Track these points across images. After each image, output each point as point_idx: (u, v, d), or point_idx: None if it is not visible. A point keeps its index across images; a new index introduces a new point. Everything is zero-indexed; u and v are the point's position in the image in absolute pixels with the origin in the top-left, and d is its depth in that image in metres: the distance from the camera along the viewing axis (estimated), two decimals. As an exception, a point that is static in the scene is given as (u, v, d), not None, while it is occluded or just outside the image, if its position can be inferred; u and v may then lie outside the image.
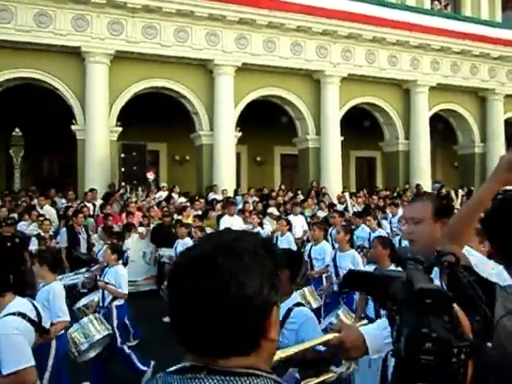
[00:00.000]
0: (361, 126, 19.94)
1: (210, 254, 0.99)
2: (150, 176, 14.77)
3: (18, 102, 14.94)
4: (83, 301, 6.94)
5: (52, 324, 4.64)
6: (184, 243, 9.73)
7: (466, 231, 1.92)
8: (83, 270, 8.43)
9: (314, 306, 6.50)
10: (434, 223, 2.31)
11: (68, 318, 4.93)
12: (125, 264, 7.84)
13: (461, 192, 16.35)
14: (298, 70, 16.90)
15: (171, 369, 1.02)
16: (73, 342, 5.30)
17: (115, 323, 6.15)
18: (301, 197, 15.28)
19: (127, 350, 6.06)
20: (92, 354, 5.66)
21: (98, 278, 6.94)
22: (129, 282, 10.32)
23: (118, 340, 6.04)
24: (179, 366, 1.02)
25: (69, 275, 8.23)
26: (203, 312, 0.95)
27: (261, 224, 11.44)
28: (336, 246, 7.78)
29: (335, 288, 6.89)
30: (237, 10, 15.33)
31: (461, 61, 19.33)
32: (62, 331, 4.93)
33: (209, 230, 10.29)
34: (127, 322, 6.88)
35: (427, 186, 18.36)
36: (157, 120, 16.79)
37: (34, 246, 10.18)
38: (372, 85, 18.17)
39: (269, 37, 16.23)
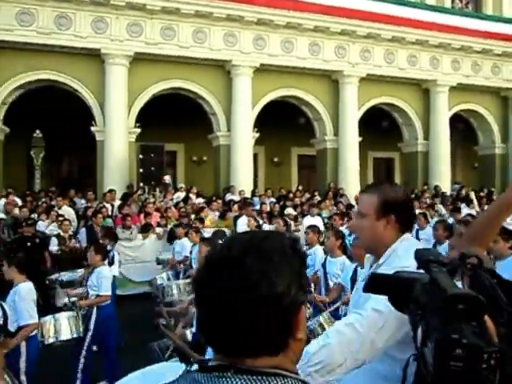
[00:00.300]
0: (379, 126, 19.76)
1: (239, 254, 0.99)
2: (167, 180, 14.85)
3: (39, 104, 15.13)
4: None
5: (20, 327, 4.65)
6: (181, 243, 9.77)
7: (490, 233, 1.88)
8: (81, 269, 8.50)
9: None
10: (376, 220, 2.04)
11: (35, 321, 4.92)
12: (110, 264, 7.75)
13: (473, 193, 16.07)
14: (315, 71, 16.83)
15: (197, 367, 1.03)
16: (40, 331, 5.26)
17: (92, 323, 6.03)
18: (318, 198, 15.21)
19: (81, 365, 5.85)
20: (54, 344, 5.73)
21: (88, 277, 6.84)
22: (146, 282, 10.51)
23: (84, 345, 5.88)
24: (206, 364, 1.02)
25: (66, 273, 8.41)
26: (232, 311, 0.96)
27: (259, 227, 11.28)
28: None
29: (323, 293, 6.64)
30: (255, 11, 15.33)
31: (482, 60, 19.06)
32: (34, 332, 4.96)
33: (206, 231, 10.35)
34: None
35: (446, 187, 18.14)
36: (174, 121, 16.86)
37: (54, 246, 10.35)
38: (391, 85, 18.02)
39: (286, 37, 16.19)
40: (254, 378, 0.96)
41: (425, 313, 1.01)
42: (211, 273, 1.01)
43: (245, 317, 0.96)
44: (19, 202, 12.63)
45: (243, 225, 11.13)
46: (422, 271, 1.14)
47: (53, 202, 12.95)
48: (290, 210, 13.39)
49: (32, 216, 11.29)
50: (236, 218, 12.04)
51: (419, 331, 1.02)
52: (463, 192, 17.30)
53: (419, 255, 1.19)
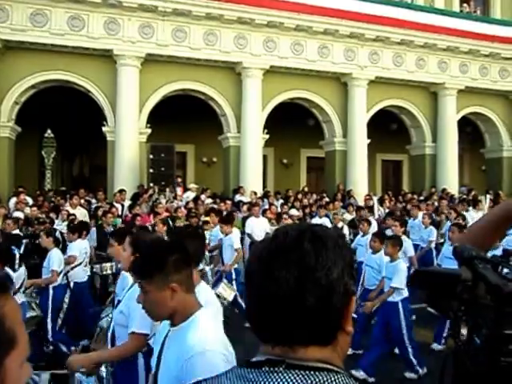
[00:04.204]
0: (387, 128, 19.84)
1: (297, 238, 0.99)
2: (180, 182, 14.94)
3: (51, 104, 15.27)
4: None
5: None
6: None
7: (493, 238, 1.69)
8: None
9: (230, 298, 6.76)
10: None
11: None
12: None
13: (488, 196, 16.13)
14: (325, 73, 16.92)
15: (243, 362, 1.02)
16: None
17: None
18: (327, 199, 15.28)
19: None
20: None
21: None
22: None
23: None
24: (253, 359, 1.00)
25: None
26: (286, 295, 0.95)
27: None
28: None
29: None
30: (265, 14, 15.43)
31: (489, 63, 19.12)
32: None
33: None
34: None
35: (454, 189, 18.19)
36: (185, 122, 16.98)
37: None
38: (399, 88, 18.08)
39: (296, 40, 16.30)
40: (307, 373, 0.93)
41: (469, 309, 0.99)
42: (270, 257, 0.99)
43: (298, 300, 0.94)
44: (30, 201, 12.74)
45: (252, 225, 11.22)
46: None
47: (66, 202, 12.98)
48: (293, 211, 13.45)
49: (41, 215, 11.33)
50: (245, 219, 12.11)
51: (463, 328, 1.01)
52: (471, 194, 17.33)
53: (461, 252, 1.16)
